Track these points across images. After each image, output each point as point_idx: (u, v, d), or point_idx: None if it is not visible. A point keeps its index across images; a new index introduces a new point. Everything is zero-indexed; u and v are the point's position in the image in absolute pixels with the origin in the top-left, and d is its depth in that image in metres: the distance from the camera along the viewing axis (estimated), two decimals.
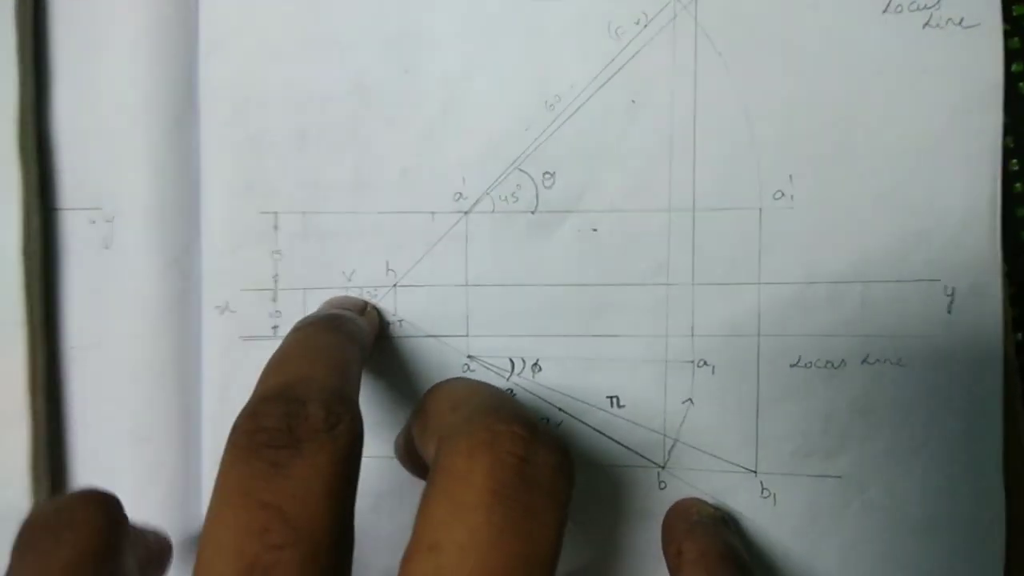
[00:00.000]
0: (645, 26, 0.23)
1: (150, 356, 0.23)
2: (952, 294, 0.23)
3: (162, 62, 0.23)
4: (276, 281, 0.23)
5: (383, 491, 0.24)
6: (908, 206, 0.23)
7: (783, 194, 0.23)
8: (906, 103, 0.23)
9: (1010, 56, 0.23)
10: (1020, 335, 0.24)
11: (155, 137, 0.23)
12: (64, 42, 0.24)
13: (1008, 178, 0.24)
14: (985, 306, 0.23)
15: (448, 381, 0.20)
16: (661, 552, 0.23)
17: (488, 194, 0.23)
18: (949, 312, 0.23)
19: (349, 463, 0.16)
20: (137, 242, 0.23)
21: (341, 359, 0.18)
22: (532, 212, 0.23)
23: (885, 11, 0.23)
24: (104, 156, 0.23)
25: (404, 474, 0.23)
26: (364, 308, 0.23)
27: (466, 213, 0.23)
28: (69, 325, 0.24)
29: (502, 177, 0.23)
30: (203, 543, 0.14)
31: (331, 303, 0.23)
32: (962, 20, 0.22)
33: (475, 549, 0.14)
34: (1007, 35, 0.23)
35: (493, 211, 0.23)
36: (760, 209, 0.23)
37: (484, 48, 0.23)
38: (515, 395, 0.24)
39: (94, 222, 0.23)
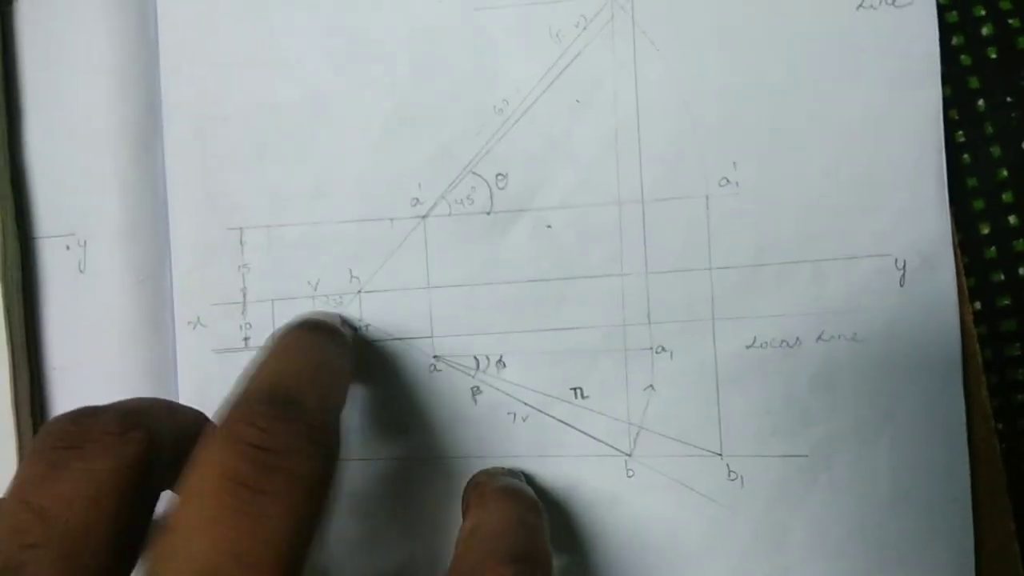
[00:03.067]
0: (585, 28, 0.24)
1: (128, 373, 0.24)
2: (903, 267, 0.23)
3: (126, 89, 0.24)
4: (245, 294, 0.24)
5: (354, 493, 0.24)
6: (853, 184, 0.23)
7: (728, 180, 0.23)
8: (844, 83, 0.23)
9: (949, 29, 0.24)
10: (978, 304, 0.24)
11: (123, 161, 0.24)
12: (34, 77, 0.25)
13: (956, 149, 0.24)
14: (938, 277, 0.23)
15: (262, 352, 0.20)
16: (631, 540, 0.23)
17: (444, 198, 0.24)
18: (901, 285, 0.23)
19: (136, 469, 0.16)
20: (110, 264, 0.24)
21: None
22: (488, 213, 0.24)
23: None
24: (77, 183, 0.25)
25: (376, 476, 0.24)
26: (341, 323, 0.23)
27: (424, 217, 0.24)
28: (51, 347, 0.25)
29: (457, 181, 0.24)
30: None
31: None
32: (895, 0, 0.23)
33: (206, 529, 0.14)
34: (945, 9, 0.24)
35: (450, 214, 0.24)
36: (707, 196, 0.23)
37: (431, 56, 0.24)
38: (480, 392, 0.24)
39: (69, 247, 0.25)
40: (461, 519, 0.22)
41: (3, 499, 0.15)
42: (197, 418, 0.19)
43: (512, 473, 0.23)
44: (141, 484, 0.16)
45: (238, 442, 0.15)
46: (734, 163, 0.23)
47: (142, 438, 0.16)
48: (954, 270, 0.23)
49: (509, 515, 0.20)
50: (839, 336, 0.23)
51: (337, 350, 0.20)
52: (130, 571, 0.15)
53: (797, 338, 0.23)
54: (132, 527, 0.16)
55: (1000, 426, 0.24)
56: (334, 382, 0.19)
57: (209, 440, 0.16)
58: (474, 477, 0.23)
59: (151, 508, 0.16)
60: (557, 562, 0.24)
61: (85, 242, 0.24)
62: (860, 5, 0.23)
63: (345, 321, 0.24)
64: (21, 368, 0.24)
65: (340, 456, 0.17)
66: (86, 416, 0.17)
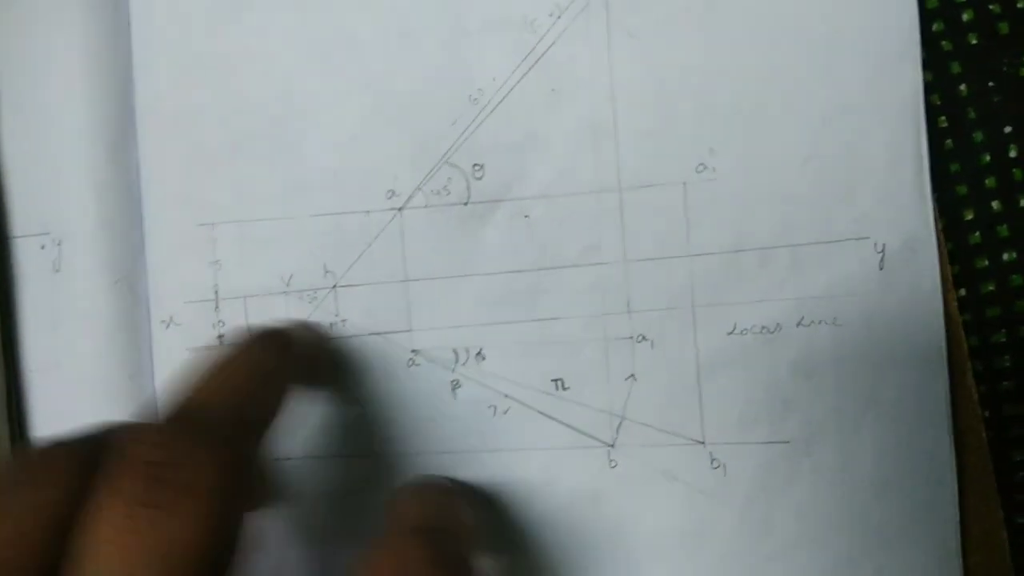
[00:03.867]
0: (559, 17, 0.24)
1: (105, 373, 0.24)
2: (883, 251, 0.23)
3: (99, 87, 0.24)
4: (217, 291, 0.24)
5: (333, 489, 0.24)
6: (831, 168, 0.23)
7: (705, 167, 0.23)
8: (822, 67, 0.23)
9: (931, 15, 0.24)
10: (962, 291, 0.24)
11: (97, 159, 0.24)
12: (6, 76, 0.25)
13: (938, 135, 0.24)
14: (919, 261, 0.23)
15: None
16: (614, 531, 0.23)
17: (420, 189, 0.24)
18: (881, 268, 0.23)
19: (66, 499, 0.16)
20: (85, 263, 0.24)
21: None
22: (464, 204, 0.24)
23: None
24: (50, 182, 0.24)
25: (355, 473, 0.23)
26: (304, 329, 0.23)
27: (400, 209, 0.24)
28: (28, 349, 0.25)
29: (432, 172, 0.24)
30: None
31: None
32: None
33: (100, 553, 0.15)
34: None
35: (426, 206, 0.24)
36: (684, 183, 0.23)
37: (404, 48, 0.24)
38: (460, 386, 0.24)
39: (44, 247, 0.24)
40: None
41: None
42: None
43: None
44: (70, 514, 0.16)
45: (131, 461, 0.16)
46: (711, 149, 0.23)
47: (69, 467, 0.16)
48: (936, 253, 0.23)
49: (416, 496, 0.20)
50: (820, 321, 0.23)
51: (266, 357, 0.20)
52: None
53: (778, 324, 0.23)
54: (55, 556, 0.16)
55: (986, 413, 0.23)
56: (251, 387, 0.19)
57: (106, 465, 0.16)
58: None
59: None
60: (541, 553, 0.24)
61: (60, 241, 0.24)
62: None
63: (308, 326, 0.24)
64: None
65: (263, 466, 0.18)
66: (17, 456, 0.17)
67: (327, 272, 0.24)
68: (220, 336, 0.24)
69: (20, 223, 0.25)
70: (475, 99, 0.24)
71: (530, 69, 0.24)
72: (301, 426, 0.24)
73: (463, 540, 0.19)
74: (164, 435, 0.16)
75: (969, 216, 0.24)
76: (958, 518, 0.22)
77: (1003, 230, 0.24)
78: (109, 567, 0.15)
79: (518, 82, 0.24)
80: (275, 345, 0.21)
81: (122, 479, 0.15)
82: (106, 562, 0.15)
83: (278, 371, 0.20)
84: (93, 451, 0.17)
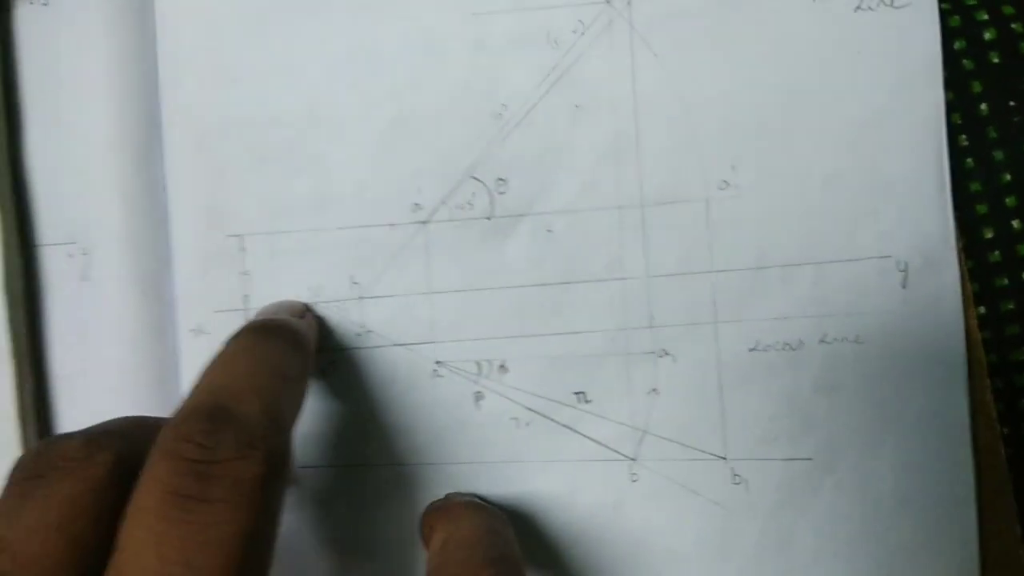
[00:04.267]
0: (582, 34, 0.24)
1: (132, 380, 0.24)
2: (905, 269, 0.23)
3: (126, 98, 0.25)
4: (246, 301, 0.24)
5: (356, 498, 0.24)
6: (853, 186, 0.23)
7: (728, 184, 0.23)
8: (844, 85, 0.23)
9: (952, 34, 0.24)
10: (982, 308, 0.24)
11: (124, 170, 0.24)
12: (34, 87, 0.25)
13: (959, 153, 0.24)
14: (940, 279, 0.23)
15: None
16: (635, 545, 0.23)
17: (445, 203, 0.24)
18: (904, 287, 0.23)
19: (101, 492, 0.16)
20: (113, 272, 0.24)
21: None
22: (488, 218, 0.24)
23: None
24: (78, 192, 0.25)
25: (378, 481, 0.24)
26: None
27: (424, 223, 0.24)
28: (54, 355, 0.25)
29: (457, 186, 0.24)
30: None
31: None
32: (893, 1, 0.23)
33: (153, 543, 0.15)
34: (948, 14, 0.24)
35: (450, 219, 0.24)
36: (707, 200, 0.23)
37: (430, 63, 0.24)
38: (483, 398, 0.24)
39: (71, 256, 0.25)
40: None
41: None
42: None
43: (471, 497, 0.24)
44: (110, 505, 0.16)
45: (176, 458, 0.16)
46: (733, 166, 0.23)
47: (107, 460, 0.17)
48: (957, 271, 0.23)
49: (480, 525, 0.20)
50: (842, 338, 0.23)
51: (283, 351, 0.20)
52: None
53: (800, 341, 0.23)
54: (102, 548, 0.16)
55: (1005, 430, 0.23)
56: (279, 385, 0.19)
57: (151, 458, 0.16)
58: (432, 503, 0.23)
59: None
60: (562, 567, 0.24)
61: (87, 250, 0.25)
62: (858, 7, 0.23)
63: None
64: (25, 376, 0.24)
65: (291, 459, 0.18)
66: (50, 444, 0.17)
67: (353, 283, 0.24)
68: None
69: (48, 232, 0.25)
70: (499, 114, 0.24)
71: (553, 85, 0.24)
72: (325, 435, 0.24)
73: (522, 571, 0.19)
74: (206, 433, 0.16)
75: (989, 235, 0.24)
76: (977, 535, 0.23)
77: (1022, 248, 0.24)
78: (157, 559, 0.15)
79: (541, 98, 0.24)
80: (292, 341, 0.21)
81: (168, 474, 0.16)
82: (154, 554, 0.15)
83: (294, 369, 0.20)
84: (131, 443, 0.17)
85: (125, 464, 0.17)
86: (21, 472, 0.17)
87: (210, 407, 0.17)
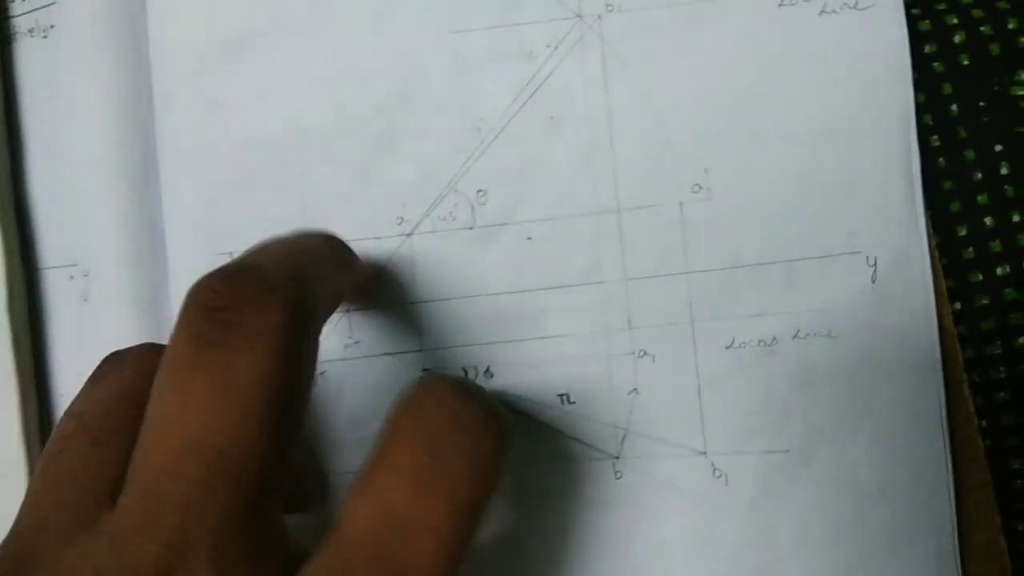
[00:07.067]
0: (556, 48, 0.25)
1: None
2: (875, 264, 0.24)
3: (122, 124, 0.25)
4: None
5: None
6: (823, 185, 0.24)
7: (700, 187, 0.24)
8: (811, 88, 0.24)
9: (923, 37, 0.25)
10: (957, 304, 0.25)
11: (122, 193, 0.25)
12: (34, 116, 0.26)
13: (931, 154, 0.25)
14: (910, 274, 0.24)
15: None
16: (620, 540, 0.24)
17: (428, 216, 0.25)
18: (873, 282, 0.24)
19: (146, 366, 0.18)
20: (112, 292, 0.25)
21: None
22: (470, 228, 0.25)
23: (781, 5, 0.24)
24: (78, 216, 0.26)
25: None
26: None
27: (409, 235, 0.25)
28: (57, 375, 0.26)
29: (439, 199, 0.25)
30: None
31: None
32: (856, 3, 0.24)
33: (178, 388, 0.16)
34: (918, 18, 0.25)
35: (434, 231, 0.25)
36: (680, 203, 0.24)
37: (410, 80, 0.25)
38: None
39: (72, 277, 0.26)
40: None
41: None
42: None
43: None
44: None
45: (198, 307, 0.16)
46: (705, 170, 0.24)
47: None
48: (928, 267, 0.24)
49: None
50: (815, 334, 0.24)
51: (321, 242, 0.21)
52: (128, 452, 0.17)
53: (774, 337, 0.24)
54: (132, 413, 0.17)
55: (983, 423, 0.24)
56: (306, 256, 0.19)
57: (179, 314, 0.17)
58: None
59: None
60: (548, 562, 0.24)
61: (88, 272, 0.26)
62: (822, 11, 0.24)
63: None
64: (29, 395, 0.25)
65: (318, 323, 0.18)
66: (118, 351, 0.20)
67: None
68: None
69: (49, 255, 0.26)
70: (478, 128, 0.25)
71: (530, 98, 0.25)
72: (316, 445, 0.25)
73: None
74: (229, 282, 0.17)
75: (963, 232, 0.24)
76: (955, 525, 0.23)
77: (996, 245, 0.24)
78: (181, 404, 0.15)
79: (518, 111, 0.25)
80: (335, 244, 0.22)
81: (191, 322, 0.16)
82: (178, 399, 0.16)
83: (329, 256, 0.21)
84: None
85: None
86: (98, 369, 0.19)
87: (234, 263, 0.18)
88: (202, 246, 0.25)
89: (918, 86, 0.24)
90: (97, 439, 0.17)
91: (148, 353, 0.19)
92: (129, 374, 0.18)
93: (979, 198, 0.24)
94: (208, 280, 0.17)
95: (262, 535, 0.16)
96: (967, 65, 0.25)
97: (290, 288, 0.17)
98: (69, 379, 0.26)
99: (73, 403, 0.18)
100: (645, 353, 0.24)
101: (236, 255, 0.19)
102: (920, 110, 0.24)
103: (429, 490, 0.16)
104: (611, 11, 0.24)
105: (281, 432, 0.16)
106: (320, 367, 0.25)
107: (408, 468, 0.17)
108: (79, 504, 0.16)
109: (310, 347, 0.17)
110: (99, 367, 0.19)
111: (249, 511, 0.15)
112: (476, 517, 0.17)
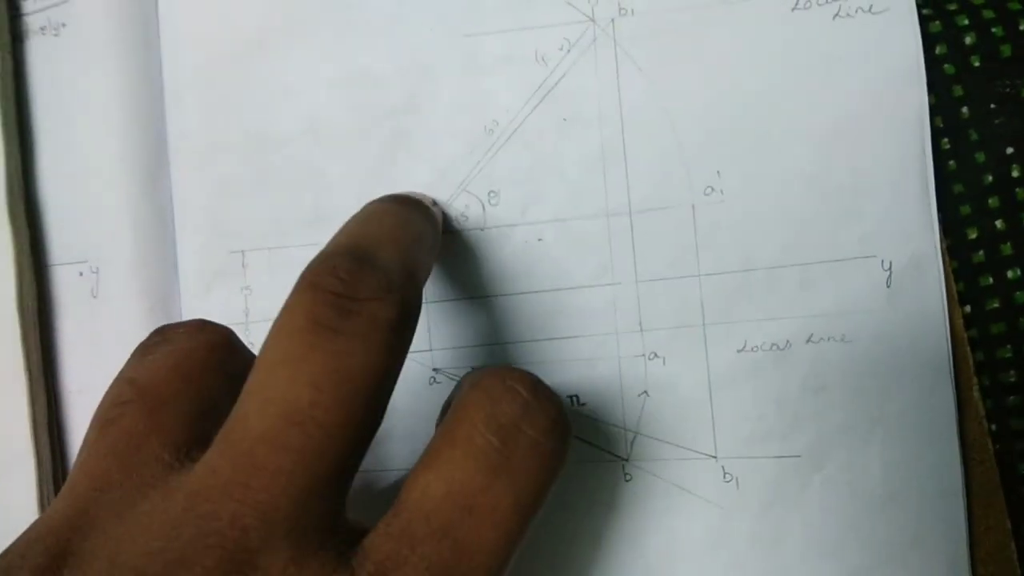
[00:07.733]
0: (568, 51, 0.25)
1: None
2: (890, 268, 0.23)
3: (133, 122, 0.26)
4: (247, 315, 0.25)
5: (357, 504, 0.25)
6: (837, 188, 0.24)
7: (713, 189, 0.24)
8: (825, 91, 0.24)
9: (933, 39, 0.25)
10: (968, 308, 0.25)
11: (132, 191, 0.25)
12: (46, 113, 0.26)
13: (942, 156, 0.24)
14: (924, 278, 0.23)
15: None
16: (630, 544, 0.24)
17: None
18: (888, 286, 0.23)
19: (216, 349, 0.19)
20: (122, 289, 0.25)
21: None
22: (482, 229, 0.25)
23: (795, 8, 0.24)
24: (88, 213, 0.26)
25: (379, 487, 0.24)
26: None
27: None
28: (67, 371, 0.26)
29: (451, 200, 0.25)
30: None
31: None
32: (871, 7, 0.24)
33: (287, 364, 0.16)
34: (929, 19, 0.24)
35: (445, 231, 0.25)
36: (693, 206, 0.24)
37: (424, 82, 0.25)
38: None
39: (82, 274, 0.26)
40: None
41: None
42: None
43: None
44: (218, 362, 0.19)
45: (320, 289, 0.17)
46: (718, 172, 0.24)
47: (220, 331, 0.19)
48: (941, 270, 0.24)
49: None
50: (828, 338, 0.24)
51: (421, 220, 0.21)
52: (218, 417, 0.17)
53: (787, 341, 0.24)
54: (215, 393, 0.18)
55: (993, 427, 0.24)
56: (414, 245, 0.20)
57: (295, 288, 0.17)
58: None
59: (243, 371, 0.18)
60: (557, 565, 0.24)
61: (98, 269, 0.26)
62: (836, 15, 0.24)
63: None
64: (39, 391, 0.25)
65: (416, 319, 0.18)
66: (170, 325, 0.20)
67: None
68: None
69: (60, 252, 0.26)
70: (490, 130, 0.25)
71: (542, 100, 0.25)
72: None
73: None
74: (350, 271, 0.17)
75: (973, 235, 0.24)
76: (967, 530, 0.23)
77: (1006, 248, 0.24)
78: (288, 379, 0.16)
79: (531, 113, 0.25)
80: (426, 214, 0.22)
81: (311, 303, 0.17)
82: (287, 374, 0.16)
83: (426, 236, 0.21)
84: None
85: (234, 341, 0.20)
86: (147, 341, 0.19)
87: (355, 249, 0.18)
88: (212, 244, 0.25)
89: (929, 88, 0.24)
90: (155, 407, 0.17)
91: (201, 328, 0.19)
92: (185, 346, 0.19)
93: (990, 201, 0.24)
94: (331, 263, 0.17)
95: (335, 509, 0.16)
96: (978, 67, 0.25)
97: (407, 288, 0.18)
98: (78, 375, 0.26)
99: (124, 371, 0.19)
100: (656, 355, 0.24)
101: (332, 239, 0.19)
102: (930, 112, 0.24)
103: (498, 478, 0.17)
104: (624, 14, 0.24)
105: (376, 417, 0.17)
106: None
107: (479, 451, 0.17)
108: (144, 465, 0.17)
109: (410, 341, 0.18)
110: (148, 338, 0.19)
111: (331, 486, 0.16)
112: (533, 517, 0.17)
